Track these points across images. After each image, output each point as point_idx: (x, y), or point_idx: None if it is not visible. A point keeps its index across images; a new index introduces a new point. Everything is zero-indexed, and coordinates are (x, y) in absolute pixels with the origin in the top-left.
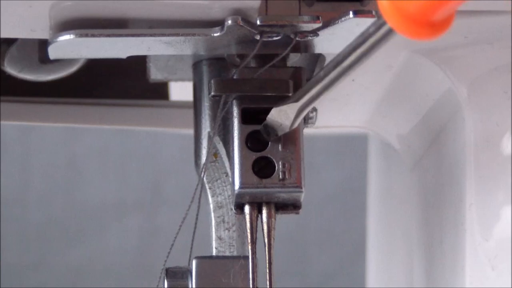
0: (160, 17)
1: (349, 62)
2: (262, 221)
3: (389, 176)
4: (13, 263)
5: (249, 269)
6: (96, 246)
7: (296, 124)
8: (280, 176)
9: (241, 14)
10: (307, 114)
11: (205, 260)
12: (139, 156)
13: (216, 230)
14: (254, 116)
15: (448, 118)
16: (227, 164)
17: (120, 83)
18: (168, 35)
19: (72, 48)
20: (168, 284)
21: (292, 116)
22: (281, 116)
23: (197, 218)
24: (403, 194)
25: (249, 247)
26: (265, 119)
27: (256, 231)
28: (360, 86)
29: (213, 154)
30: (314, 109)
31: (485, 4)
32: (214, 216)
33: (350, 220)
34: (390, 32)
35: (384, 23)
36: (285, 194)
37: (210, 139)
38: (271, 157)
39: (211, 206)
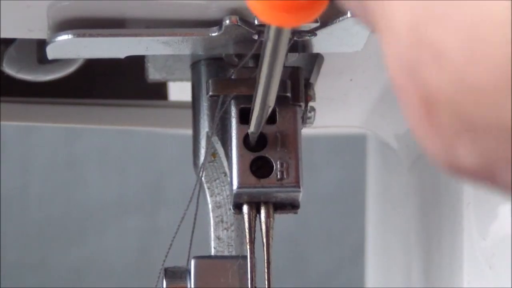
0: (158, 17)
1: (266, 68)
2: (260, 221)
3: (388, 176)
4: (13, 263)
5: (247, 269)
6: (96, 246)
7: (260, 125)
8: (278, 176)
9: (238, 14)
10: (305, 114)
11: (204, 260)
12: (139, 156)
13: (215, 230)
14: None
15: None
16: (225, 164)
17: (118, 83)
18: (166, 35)
19: (70, 48)
20: (166, 284)
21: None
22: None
23: (195, 218)
24: (401, 193)
25: (248, 246)
26: None
27: (255, 230)
28: (358, 86)
29: (212, 154)
30: (312, 109)
31: None
32: (213, 216)
33: (349, 220)
34: (277, 31)
35: (269, 27)
36: (283, 193)
37: (208, 139)
38: (269, 157)
39: (210, 206)
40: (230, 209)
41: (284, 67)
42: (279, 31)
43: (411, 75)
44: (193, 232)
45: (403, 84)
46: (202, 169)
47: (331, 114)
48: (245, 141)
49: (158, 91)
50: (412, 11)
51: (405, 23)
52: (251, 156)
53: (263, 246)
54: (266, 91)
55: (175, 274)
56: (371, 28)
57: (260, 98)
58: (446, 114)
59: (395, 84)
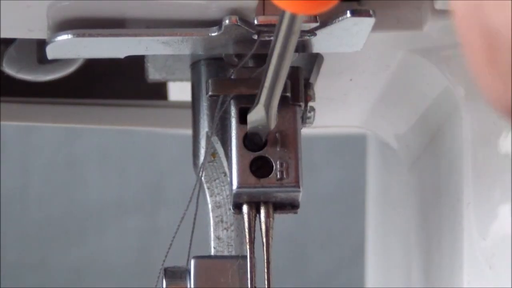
0: (157, 17)
1: (276, 58)
2: (260, 221)
3: (387, 176)
4: (13, 263)
5: (247, 269)
6: (96, 246)
7: (272, 123)
8: (278, 176)
9: (238, 14)
10: (305, 114)
11: (204, 259)
12: (139, 156)
13: (215, 229)
14: None
15: (446, 117)
16: (225, 163)
17: (118, 83)
18: (166, 35)
19: (70, 48)
20: (166, 284)
21: (262, 117)
22: (257, 119)
23: (195, 218)
24: (401, 193)
25: (247, 246)
26: None
27: (254, 230)
28: (358, 86)
29: (211, 154)
30: (312, 109)
31: None
32: (213, 216)
33: (349, 220)
34: (292, 18)
35: (283, 13)
36: (283, 193)
37: (208, 139)
38: (269, 157)
39: (210, 206)
40: (230, 209)
41: None
42: (293, 18)
43: (475, 16)
44: (193, 232)
45: (468, 26)
46: (202, 169)
47: (331, 114)
48: (245, 141)
49: (158, 91)
50: None
51: None
52: (251, 156)
53: (263, 246)
54: (273, 86)
55: (175, 274)
56: None
57: (265, 95)
58: (508, 53)
59: (459, 29)
